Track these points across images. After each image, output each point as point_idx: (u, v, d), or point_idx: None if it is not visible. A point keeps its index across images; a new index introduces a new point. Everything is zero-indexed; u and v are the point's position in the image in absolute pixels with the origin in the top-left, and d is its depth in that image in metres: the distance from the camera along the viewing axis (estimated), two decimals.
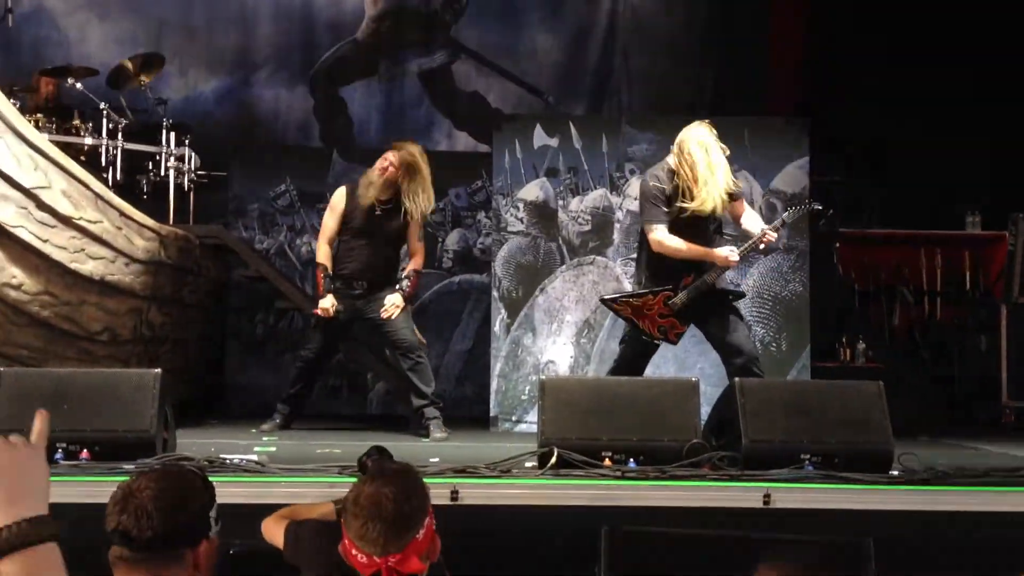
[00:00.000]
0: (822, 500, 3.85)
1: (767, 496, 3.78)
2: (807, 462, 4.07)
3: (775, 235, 5.12)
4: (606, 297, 5.42)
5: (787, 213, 5.37)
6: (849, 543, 3.31)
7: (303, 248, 7.97)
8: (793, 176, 6.79)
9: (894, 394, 4.44)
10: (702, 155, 4.94)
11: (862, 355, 7.34)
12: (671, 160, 5.09)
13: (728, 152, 5.07)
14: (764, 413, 4.22)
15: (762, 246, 5.12)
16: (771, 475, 3.96)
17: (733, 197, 5.14)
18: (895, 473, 4.16)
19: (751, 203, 6.54)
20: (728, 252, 5.00)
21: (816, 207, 5.65)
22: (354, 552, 2.23)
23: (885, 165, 7.83)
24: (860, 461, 4.11)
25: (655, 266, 5.12)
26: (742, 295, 5.33)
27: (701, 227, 5.05)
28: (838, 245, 7.69)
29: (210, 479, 2.16)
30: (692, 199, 4.95)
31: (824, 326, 7.17)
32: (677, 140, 5.07)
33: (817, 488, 3.92)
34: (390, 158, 5.85)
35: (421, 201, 5.84)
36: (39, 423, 1.32)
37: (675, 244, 5.02)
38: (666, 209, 5.02)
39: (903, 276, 7.93)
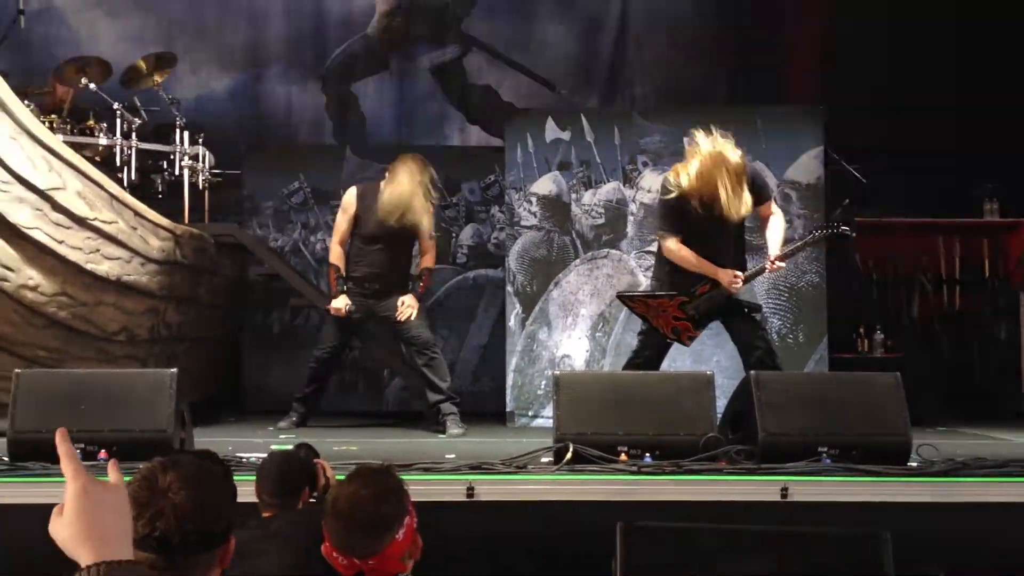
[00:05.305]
0: (840, 493, 3.84)
1: (784, 489, 3.77)
2: (824, 455, 4.06)
3: (782, 266, 5.14)
4: (623, 293, 5.46)
5: (810, 237, 5.36)
6: (868, 536, 3.30)
7: (317, 245, 7.97)
8: (808, 166, 6.75)
9: (913, 384, 4.41)
10: (697, 170, 4.88)
11: (880, 345, 7.30)
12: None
13: (741, 164, 4.96)
14: (780, 406, 4.20)
15: (769, 270, 5.13)
16: (788, 468, 3.95)
17: (761, 199, 5.12)
18: (914, 465, 4.14)
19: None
20: (732, 277, 5.00)
21: (843, 230, 5.43)
22: (335, 555, 2.23)
23: (902, 153, 7.76)
24: (878, 453, 4.09)
25: (672, 271, 5.15)
26: (759, 308, 5.33)
27: (720, 231, 5.02)
28: (855, 234, 7.64)
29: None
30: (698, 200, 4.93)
31: (842, 316, 7.12)
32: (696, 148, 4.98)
33: (835, 481, 3.91)
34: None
35: (425, 219, 5.87)
36: (112, 470, 1.34)
37: (684, 255, 5.04)
38: (679, 217, 5.02)
39: (921, 264, 7.87)
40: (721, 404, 4.55)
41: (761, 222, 5.25)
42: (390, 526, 2.21)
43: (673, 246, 5.06)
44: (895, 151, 7.73)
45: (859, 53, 8.10)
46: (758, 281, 6.57)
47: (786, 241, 5.26)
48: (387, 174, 5.93)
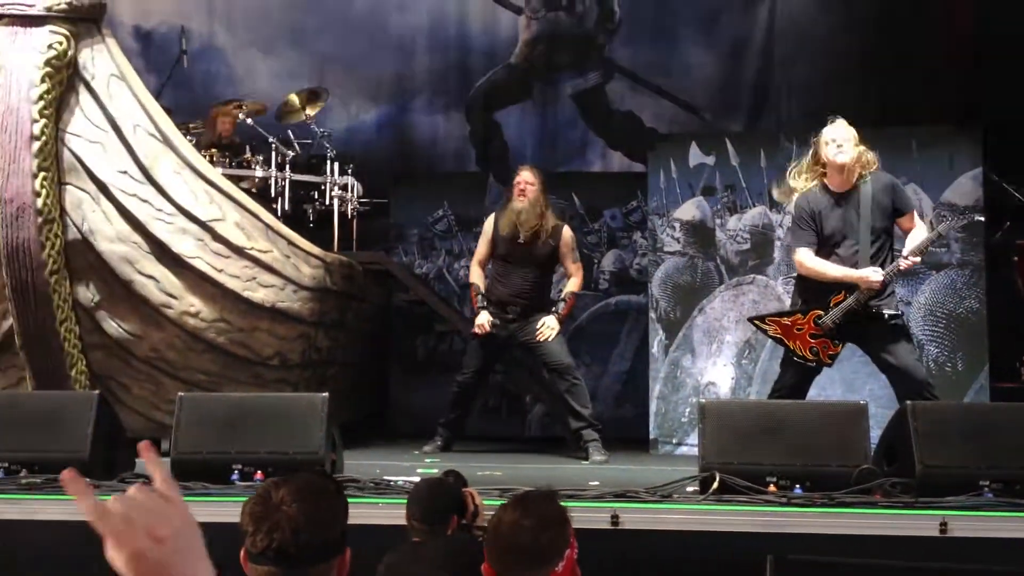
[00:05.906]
0: (1003, 529, 3.66)
1: (944, 524, 3.63)
2: (986, 489, 3.88)
3: (916, 260, 4.88)
4: (753, 316, 5.33)
5: (942, 226, 5.14)
6: None
7: (461, 272, 8.09)
8: (965, 187, 6.46)
9: None
10: (825, 146, 4.87)
11: None
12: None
13: (864, 149, 4.90)
14: (938, 437, 4.03)
15: (903, 267, 4.88)
16: (947, 502, 3.79)
17: (901, 212, 4.95)
18: None
19: (921, 217, 6.28)
20: (871, 273, 4.79)
21: (976, 219, 5.25)
22: None
23: None
24: None
25: (805, 286, 5.00)
26: (899, 315, 5.06)
27: (857, 232, 4.87)
28: (1016, 258, 7.28)
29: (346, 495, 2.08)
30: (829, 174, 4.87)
31: (1004, 344, 6.78)
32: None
33: (998, 516, 3.73)
34: (523, 176, 5.97)
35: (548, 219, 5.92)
36: (152, 464, 1.04)
37: (816, 266, 4.88)
38: (813, 230, 4.89)
39: None
40: (875, 435, 4.39)
41: (905, 234, 5.02)
42: (550, 557, 2.22)
43: (803, 258, 4.90)
44: None
45: (1019, 62, 7.73)
46: (915, 308, 6.32)
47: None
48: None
